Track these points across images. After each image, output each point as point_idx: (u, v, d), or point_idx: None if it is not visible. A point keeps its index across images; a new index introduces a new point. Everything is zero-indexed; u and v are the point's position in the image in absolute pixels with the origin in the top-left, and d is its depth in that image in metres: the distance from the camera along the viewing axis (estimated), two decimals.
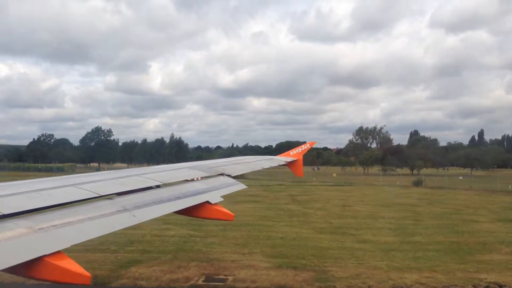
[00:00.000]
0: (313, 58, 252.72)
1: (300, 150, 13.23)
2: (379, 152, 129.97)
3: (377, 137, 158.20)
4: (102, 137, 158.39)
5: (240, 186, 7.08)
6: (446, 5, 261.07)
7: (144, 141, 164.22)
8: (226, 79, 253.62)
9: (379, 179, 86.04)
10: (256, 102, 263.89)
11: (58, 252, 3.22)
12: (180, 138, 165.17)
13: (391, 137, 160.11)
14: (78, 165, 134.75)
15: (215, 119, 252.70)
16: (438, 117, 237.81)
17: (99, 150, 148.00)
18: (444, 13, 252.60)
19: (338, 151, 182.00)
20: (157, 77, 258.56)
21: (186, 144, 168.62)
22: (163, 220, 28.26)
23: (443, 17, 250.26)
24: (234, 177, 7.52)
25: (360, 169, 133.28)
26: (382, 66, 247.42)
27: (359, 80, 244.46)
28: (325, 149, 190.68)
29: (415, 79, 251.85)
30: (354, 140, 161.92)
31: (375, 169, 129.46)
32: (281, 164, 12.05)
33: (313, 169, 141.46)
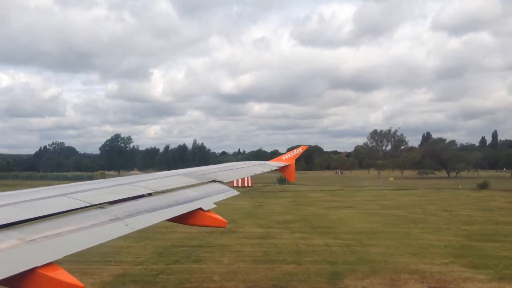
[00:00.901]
0: (315, 63, 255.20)
1: (292, 154, 13.23)
2: (417, 154, 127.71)
3: (392, 139, 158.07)
4: (122, 144, 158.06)
5: (232, 192, 7.07)
6: (448, 7, 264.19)
7: (167, 147, 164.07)
8: (227, 85, 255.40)
9: (430, 182, 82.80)
10: (258, 107, 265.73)
11: (51, 263, 3.19)
12: (202, 144, 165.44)
13: (406, 139, 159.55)
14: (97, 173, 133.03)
15: (217, 124, 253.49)
16: (440, 119, 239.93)
17: (119, 158, 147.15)
18: (446, 15, 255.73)
19: (348, 155, 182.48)
20: (158, 84, 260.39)
21: (209, 150, 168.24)
22: (289, 228, 28.37)
23: (445, 19, 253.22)
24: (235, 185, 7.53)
25: (384, 173, 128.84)
26: (384, 69, 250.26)
27: (361, 83, 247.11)
28: (335, 152, 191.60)
29: (418, 82, 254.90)
30: (368, 143, 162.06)
31: (407, 172, 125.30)
32: (273, 169, 12.05)
33: (336, 173, 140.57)
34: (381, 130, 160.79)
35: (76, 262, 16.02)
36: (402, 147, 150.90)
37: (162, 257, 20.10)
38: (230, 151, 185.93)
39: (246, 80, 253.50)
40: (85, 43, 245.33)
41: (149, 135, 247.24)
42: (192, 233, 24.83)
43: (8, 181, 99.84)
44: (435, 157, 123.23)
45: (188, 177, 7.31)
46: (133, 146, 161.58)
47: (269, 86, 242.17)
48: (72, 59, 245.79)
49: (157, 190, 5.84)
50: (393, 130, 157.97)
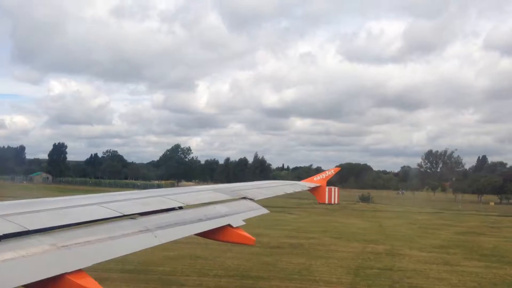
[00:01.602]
0: (360, 79, 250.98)
1: (324, 176, 13.10)
2: (498, 179, 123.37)
3: (448, 161, 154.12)
4: (182, 155, 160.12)
5: (262, 210, 7.03)
6: (502, 26, 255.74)
7: (227, 160, 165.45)
8: (271, 99, 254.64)
9: None
10: (300, 123, 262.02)
11: (80, 270, 3.23)
12: (263, 157, 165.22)
13: (463, 161, 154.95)
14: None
15: (258, 138, 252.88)
16: (486, 141, 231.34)
17: (179, 168, 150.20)
18: (499, 34, 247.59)
19: (395, 175, 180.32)
20: (203, 96, 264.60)
21: (269, 165, 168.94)
22: (452, 254, 26.85)
23: (498, 38, 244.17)
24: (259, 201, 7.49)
25: (449, 195, 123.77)
26: (431, 88, 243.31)
27: (406, 102, 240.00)
28: (384, 172, 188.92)
29: (465, 102, 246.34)
30: (423, 164, 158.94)
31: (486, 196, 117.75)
32: (304, 189, 11.93)
33: (398, 193, 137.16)
34: (437, 151, 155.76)
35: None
36: (458, 169, 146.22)
37: (370, 281, 19.27)
38: (272, 166, 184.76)
39: (289, 94, 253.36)
40: (136, 54, 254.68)
41: (191, 146, 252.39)
42: (350, 253, 25.20)
43: (83, 187, 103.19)
44: None
45: (219, 192, 7.32)
46: (192, 157, 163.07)
47: (312, 102, 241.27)
48: (122, 69, 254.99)
49: (187, 204, 5.87)
50: (449, 152, 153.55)
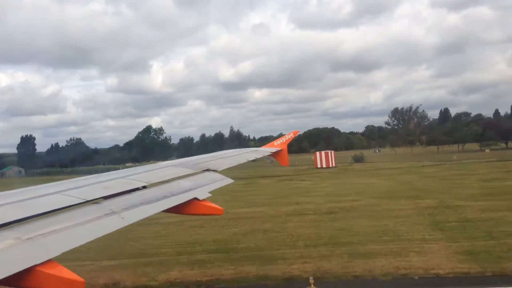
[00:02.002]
0: (314, 46, 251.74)
1: (284, 140, 13.30)
2: (478, 128, 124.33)
3: (414, 117, 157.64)
4: (155, 136, 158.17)
5: (226, 180, 7.11)
6: None
7: (203, 136, 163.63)
8: (227, 73, 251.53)
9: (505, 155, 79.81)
10: (258, 93, 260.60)
11: (50, 260, 3.21)
12: (238, 130, 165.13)
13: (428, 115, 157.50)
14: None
15: (218, 113, 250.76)
16: (441, 95, 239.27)
17: (153, 149, 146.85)
18: None
19: (362, 135, 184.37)
20: (158, 75, 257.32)
21: (246, 137, 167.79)
22: None
23: None
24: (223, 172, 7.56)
25: (432, 148, 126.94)
26: (384, 48, 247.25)
27: (361, 64, 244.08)
28: (352, 133, 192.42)
29: (418, 60, 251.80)
30: (390, 121, 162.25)
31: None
32: (266, 154, 12.10)
33: (375, 151, 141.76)
34: (402, 108, 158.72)
35: None
36: (424, 123, 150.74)
37: (466, 233, 18.76)
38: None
39: (245, 67, 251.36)
40: (83, 38, 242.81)
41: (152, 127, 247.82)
42: (409, 210, 24.91)
43: (61, 177, 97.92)
44: (496, 129, 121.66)
45: (181, 167, 7.33)
46: (165, 137, 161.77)
47: (268, 72, 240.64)
48: (71, 55, 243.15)
49: (151, 182, 5.86)
50: (414, 108, 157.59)
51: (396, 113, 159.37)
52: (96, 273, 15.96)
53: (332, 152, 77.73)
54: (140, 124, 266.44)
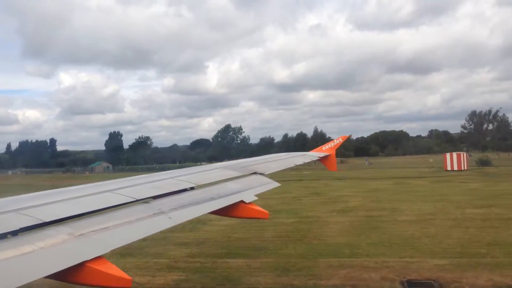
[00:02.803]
0: (371, 47, 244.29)
1: (333, 144, 13.07)
2: None
3: (494, 121, 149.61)
4: (233, 135, 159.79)
5: (273, 184, 7.05)
6: None
7: (285, 135, 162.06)
8: (282, 74, 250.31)
9: None
10: (312, 95, 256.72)
11: (99, 257, 3.29)
12: (322, 130, 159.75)
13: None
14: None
15: (270, 114, 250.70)
16: (503, 99, 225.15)
17: (232, 148, 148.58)
18: None
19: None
20: (213, 76, 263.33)
21: (329, 137, 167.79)
22: None
23: None
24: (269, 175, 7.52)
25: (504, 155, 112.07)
26: (444, 50, 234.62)
27: (419, 66, 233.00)
28: (419, 137, 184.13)
29: (480, 62, 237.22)
30: (467, 125, 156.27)
31: None
32: (314, 159, 11.94)
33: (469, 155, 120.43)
34: (481, 111, 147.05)
35: None
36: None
37: None
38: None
39: (300, 68, 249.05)
40: (144, 39, 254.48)
41: (203, 128, 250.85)
42: None
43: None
44: None
45: (229, 169, 7.35)
46: (244, 137, 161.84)
47: (323, 73, 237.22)
48: (131, 56, 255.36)
49: (199, 184, 5.91)
50: (493, 111, 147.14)
51: (474, 116, 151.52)
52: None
53: (465, 154, 74.05)
54: (192, 124, 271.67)
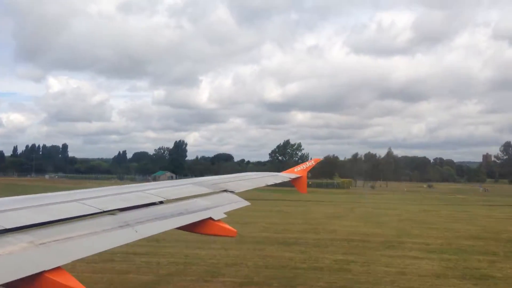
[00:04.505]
0: (365, 72, 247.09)
1: (305, 166, 13.21)
2: None
3: None
4: (290, 151, 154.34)
5: (243, 203, 7.06)
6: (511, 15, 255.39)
7: (355, 155, 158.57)
8: (273, 93, 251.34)
9: None
10: (301, 116, 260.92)
11: (59, 268, 3.22)
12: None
13: None
14: None
15: (257, 133, 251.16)
16: (486, 132, 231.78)
17: (290, 165, 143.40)
18: (508, 23, 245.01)
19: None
20: (205, 91, 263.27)
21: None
22: None
23: (508, 27, 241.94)
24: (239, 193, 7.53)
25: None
26: (436, 79, 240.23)
27: (410, 94, 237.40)
28: (449, 162, 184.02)
29: (469, 93, 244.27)
30: (501, 155, 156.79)
31: None
32: (285, 180, 12.02)
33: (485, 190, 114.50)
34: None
35: None
36: None
37: None
38: (266, 160, 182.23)
39: (293, 88, 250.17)
40: (141, 49, 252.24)
41: (189, 142, 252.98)
42: None
43: None
44: None
45: (200, 186, 7.33)
46: (303, 154, 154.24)
47: (315, 95, 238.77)
48: (126, 65, 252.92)
49: (168, 198, 5.87)
50: None
51: (509, 147, 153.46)
52: None
53: None
54: (179, 137, 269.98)
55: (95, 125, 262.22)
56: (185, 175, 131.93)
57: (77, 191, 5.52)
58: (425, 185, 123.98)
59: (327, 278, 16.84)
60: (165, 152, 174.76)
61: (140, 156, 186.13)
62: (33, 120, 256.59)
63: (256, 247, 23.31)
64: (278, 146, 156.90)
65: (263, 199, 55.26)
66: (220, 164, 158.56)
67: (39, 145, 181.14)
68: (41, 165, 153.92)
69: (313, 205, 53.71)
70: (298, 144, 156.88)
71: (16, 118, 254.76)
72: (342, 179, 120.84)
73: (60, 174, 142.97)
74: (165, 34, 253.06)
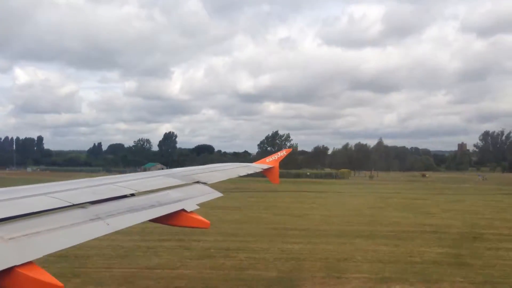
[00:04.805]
0: (337, 63, 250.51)
1: (277, 157, 13.31)
2: None
3: (507, 142, 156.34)
4: (279, 142, 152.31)
5: (215, 194, 7.09)
6: (479, 8, 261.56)
7: (346, 145, 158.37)
8: (246, 84, 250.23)
9: None
10: (273, 107, 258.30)
11: (30, 262, 3.18)
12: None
13: None
14: None
15: (230, 124, 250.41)
16: (455, 122, 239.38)
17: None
18: (476, 16, 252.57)
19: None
20: (178, 82, 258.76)
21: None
22: None
23: (475, 21, 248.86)
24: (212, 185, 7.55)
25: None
26: (405, 71, 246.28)
27: (381, 85, 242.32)
28: (425, 151, 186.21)
29: (438, 84, 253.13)
30: (479, 144, 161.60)
31: None
32: (257, 171, 12.10)
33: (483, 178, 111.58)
34: (493, 132, 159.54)
35: None
36: None
37: None
38: (240, 150, 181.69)
39: (265, 79, 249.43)
40: (111, 40, 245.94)
41: (160, 134, 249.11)
42: None
43: None
44: None
45: (172, 177, 7.31)
46: (292, 144, 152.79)
47: (287, 86, 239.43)
48: (95, 56, 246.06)
49: (139, 191, 5.84)
50: (506, 132, 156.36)
51: (488, 136, 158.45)
52: None
53: None
54: (150, 129, 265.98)
55: (64, 117, 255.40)
56: (176, 167, 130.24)
57: (45, 184, 5.42)
58: (416, 174, 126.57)
59: (463, 274, 16.85)
60: (145, 144, 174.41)
61: (116, 148, 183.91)
62: None
63: (339, 240, 23.22)
64: (267, 137, 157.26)
65: (277, 190, 55.68)
66: (206, 155, 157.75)
67: (11, 138, 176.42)
68: (16, 158, 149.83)
69: (339, 196, 53.97)
70: (287, 134, 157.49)
71: None
72: (342, 170, 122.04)
73: (42, 167, 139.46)
74: (136, 25, 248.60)
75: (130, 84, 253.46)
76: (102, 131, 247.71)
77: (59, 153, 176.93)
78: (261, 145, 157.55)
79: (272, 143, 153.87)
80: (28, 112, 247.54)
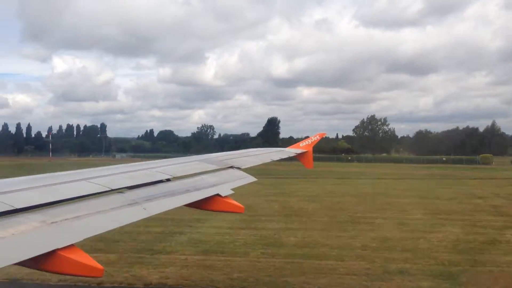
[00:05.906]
0: (374, 45, 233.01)
1: (310, 141, 13.17)
2: None
3: None
4: (376, 127, 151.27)
5: (250, 178, 7.11)
6: None
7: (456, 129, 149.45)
8: (280, 69, 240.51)
9: None
10: (307, 92, 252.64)
11: (71, 245, 3.28)
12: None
13: None
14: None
15: (262, 109, 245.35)
16: (493, 104, 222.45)
17: (375, 141, 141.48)
18: None
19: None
20: (212, 68, 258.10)
21: (503, 133, 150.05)
22: None
23: None
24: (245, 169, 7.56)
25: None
26: (445, 51, 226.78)
27: (418, 66, 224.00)
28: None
29: (478, 65, 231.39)
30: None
31: None
32: (291, 155, 12.04)
33: None
34: None
35: None
36: None
37: None
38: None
39: (300, 63, 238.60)
40: (147, 27, 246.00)
41: (193, 120, 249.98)
42: None
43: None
44: None
45: (206, 163, 7.37)
46: (389, 129, 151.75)
47: (322, 70, 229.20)
48: (132, 43, 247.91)
49: (175, 176, 5.91)
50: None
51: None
52: None
53: None
54: (184, 115, 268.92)
55: (102, 105, 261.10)
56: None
57: (84, 170, 5.57)
58: None
59: None
60: (208, 130, 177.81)
61: (166, 135, 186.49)
62: (39, 100, 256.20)
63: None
64: (362, 121, 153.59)
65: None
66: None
67: (77, 125, 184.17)
68: (81, 145, 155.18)
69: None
70: (384, 119, 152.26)
71: (22, 99, 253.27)
72: (483, 155, 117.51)
73: (129, 153, 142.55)
74: (171, 10, 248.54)
75: (165, 71, 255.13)
76: (136, 118, 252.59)
77: (118, 141, 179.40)
78: (356, 130, 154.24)
79: (367, 127, 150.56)
80: (68, 100, 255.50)
